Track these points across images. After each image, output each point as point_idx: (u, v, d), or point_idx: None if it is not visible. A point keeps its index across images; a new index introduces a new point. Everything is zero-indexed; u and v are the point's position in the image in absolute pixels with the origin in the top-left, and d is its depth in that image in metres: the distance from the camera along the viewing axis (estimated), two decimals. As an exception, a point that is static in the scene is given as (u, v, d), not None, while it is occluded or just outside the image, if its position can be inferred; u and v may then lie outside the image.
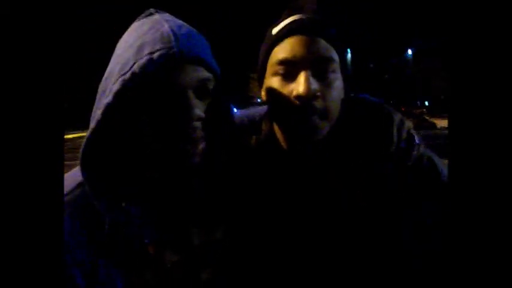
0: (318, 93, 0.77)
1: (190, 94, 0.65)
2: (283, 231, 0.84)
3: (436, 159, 0.87)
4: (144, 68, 0.62)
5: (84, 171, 0.66)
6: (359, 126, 0.85)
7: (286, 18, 0.83)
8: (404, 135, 0.85)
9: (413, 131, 0.87)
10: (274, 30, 0.83)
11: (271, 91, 0.83)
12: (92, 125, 0.65)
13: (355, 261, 0.81)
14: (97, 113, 0.64)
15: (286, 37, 0.80)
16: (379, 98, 0.93)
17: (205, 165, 0.70)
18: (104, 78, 0.69)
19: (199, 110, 0.66)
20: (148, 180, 0.70)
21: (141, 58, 0.63)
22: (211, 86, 0.69)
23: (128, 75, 0.62)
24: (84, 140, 0.65)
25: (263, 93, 0.88)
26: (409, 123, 0.87)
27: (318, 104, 0.77)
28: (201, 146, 0.67)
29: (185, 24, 0.72)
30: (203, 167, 0.69)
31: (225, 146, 0.76)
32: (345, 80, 0.84)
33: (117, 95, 0.63)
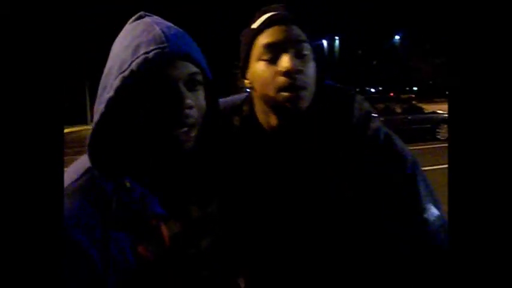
0: (300, 68, 0.89)
1: (181, 86, 0.74)
2: (266, 202, 0.97)
3: (393, 135, 0.98)
4: (141, 65, 0.70)
5: (91, 157, 0.74)
6: (328, 106, 0.99)
7: (261, 16, 0.97)
8: (364, 108, 0.99)
9: (371, 109, 1.01)
10: (255, 25, 0.97)
11: (257, 74, 0.94)
12: (96, 117, 0.73)
13: (334, 235, 0.92)
14: (100, 106, 0.73)
15: (268, 27, 0.93)
16: (366, 86, 1.02)
17: (198, 148, 0.79)
18: (103, 76, 0.77)
19: (190, 99, 0.75)
20: (149, 163, 0.78)
21: (138, 57, 0.71)
22: (199, 78, 0.78)
23: (127, 72, 0.71)
24: (90, 130, 0.74)
25: (248, 80, 1.00)
26: (367, 104, 1.02)
27: (301, 77, 0.89)
28: (194, 131, 0.76)
29: (173, 25, 0.82)
30: (196, 149, 0.79)
31: (213, 129, 0.85)
32: (317, 63, 0.99)
33: (118, 90, 0.71)
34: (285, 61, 0.89)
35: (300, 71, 0.89)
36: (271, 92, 0.91)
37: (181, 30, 0.81)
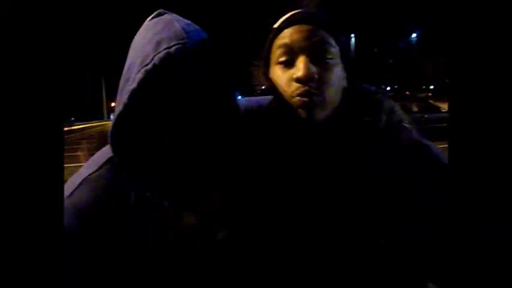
0: (316, 76, 0.82)
1: (199, 82, 0.76)
2: (282, 202, 0.91)
3: (433, 147, 0.90)
4: (163, 60, 0.73)
5: (113, 147, 0.78)
6: (354, 113, 0.90)
7: (287, 13, 0.90)
8: (395, 117, 0.90)
9: (404, 118, 0.92)
10: (276, 25, 0.91)
11: (274, 78, 0.90)
12: (119, 108, 0.76)
13: (343, 242, 0.87)
14: (123, 98, 0.76)
15: (287, 27, 0.87)
16: (382, 85, 0.96)
17: (216, 144, 0.82)
18: (124, 70, 0.80)
19: (206, 95, 0.77)
20: (168, 156, 0.80)
21: (160, 52, 0.73)
22: (215, 75, 0.80)
23: (149, 66, 0.73)
24: (113, 121, 0.77)
25: (269, 83, 0.94)
26: (401, 111, 0.93)
27: (316, 85, 0.83)
28: (210, 126, 0.78)
29: (191, 23, 0.83)
30: (215, 145, 0.81)
31: (231, 126, 0.86)
32: (347, 70, 0.89)
33: (141, 82, 0.73)
34: (299, 67, 0.83)
35: (315, 79, 0.82)
36: (286, 98, 0.87)
37: (198, 27, 0.84)
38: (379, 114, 0.90)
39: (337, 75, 0.86)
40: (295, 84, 0.84)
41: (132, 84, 0.74)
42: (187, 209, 0.82)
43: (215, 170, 0.85)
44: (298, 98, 0.84)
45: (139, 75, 0.73)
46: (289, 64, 0.86)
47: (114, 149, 0.78)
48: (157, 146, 0.80)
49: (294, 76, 0.83)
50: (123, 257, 0.76)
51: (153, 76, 0.73)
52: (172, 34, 0.76)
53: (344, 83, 0.89)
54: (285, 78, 0.86)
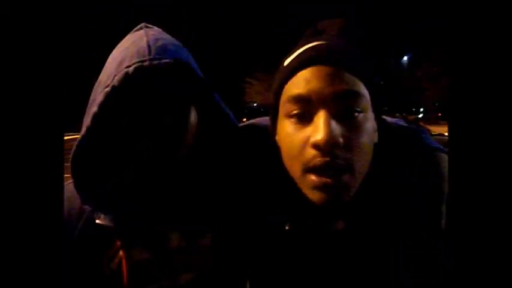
0: (341, 140, 0.61)
1: (159, 103, 0.71)
2: (274, 247, 0.75)
3: None
4: (121, 81, 0.69)
5: (72, 170, 0.73)
6: (396, 173, 0.69)
7: (303, 46, 0.68)
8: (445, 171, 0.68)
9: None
10: (286, 61, 0.69)
11: (283, 138, 0.68)
12: (83, 131, 0.72)
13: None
14: (87, 120, 0.72)
15: (301, 69, 0.65)
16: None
17: (189, 169, 0.76)
18: (94, 87, 0.76)
19: (166, 117, 0.71)
20: (129, 179, 0.76)
21: (120, 72, 0.69)
22: (185, 93, 0.74)
23: (109, 88, 0.70)
24: (75, 143, 0.73)
25: (277, 138, 0.72)
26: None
27: (342, 154, 0.61)
28: (175, 149, 0.73)
29: (166, 37, 0.77)
30: (186, 170, 0.75)
31: (212, 148, 0.80)
32: (378, 119, 0.69)
33: (102, 105, 0.70)
34: (318, 127, 0.60)
35: (341, 144, 0.60)
36: (297, 171, 0.64)
37: (175, 42, 0.78)
38: (429, 169, 0.69)
39: (369, 133, 0.65)
40: (312, 152, 0.62)
41: (94, 108, 0.71)
42: (139, 242, 0.75)
43: (194, 203, 0.79)
44: (315, 176, 0.62)
45: (100, 98, 0.70)
46: (303, 118, 0.64)
47: (73, 172, 0.74)
48: (119, 168, 0.77)
49: (312, 140, 0.61)
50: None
51: (114, 97, 0.70)
52: (136, 51, 0.71)
53: (375, 138, 0.68)
54: (298, 139, 0.64)
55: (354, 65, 0.64)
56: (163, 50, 0.72)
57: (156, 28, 0.81)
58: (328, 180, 0.60)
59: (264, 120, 0.84)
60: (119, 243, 0.73)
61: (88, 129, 0.72)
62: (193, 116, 0.75)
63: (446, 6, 0.53)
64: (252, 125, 0.88)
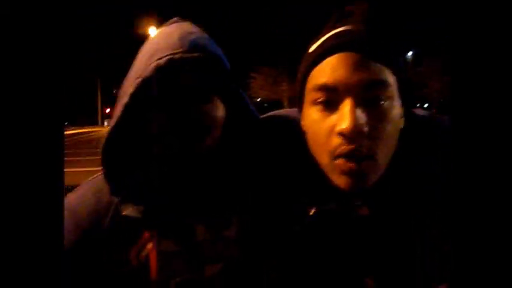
0: (366, 128, 0.61)
1: (188, 94, 0.72)
2: (300, 238, 0.74)
3: None
4: (152, 72, 0.70)
5: (103, 161, 0.76)
6: (421, 162, 0.69)
7: (328, 32, 0.67)
8: None
9: None
10: (312, 48, 0.69)
11: (309, 125, 0.69)
12: (113, 121, 0.75)
13: None
14: (117, 111, 0.74)
15: (326, 56, 0.65)
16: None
17: (216, 162, 0.78)
18: (124, 80, 0.78)
19: (194, 109, 0.73)
20: (157, 172, 0.78)
21: (151, 64, 0.71)
22: (211, 86, 0.75)
23: (140, 79, 0.72)
24: (106, 134, 0.75)
25: (302, 123, 0.73)
26: None
27: (367, 142, 0.62)
28: (198, 141, 0.74)
29: (197, 31, 0.79)
30: (213, 163, 0.77)
31: (236, 141, 0.81)
32: (405, 106, 0.69)
33: (133, 96, 0.72)
34: (344, 116, 0.61)
35: (364, 133, 0.61)
36: (323, 158, 0.66)
37: (205, 35, 0.80)
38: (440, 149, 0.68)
39: (395, 121, 0.65)
40: (338, 139, 0.63)
41: (124, 98, 0.73)
42: (169, 234, 0.76)
43: (219, 195, 0.80)
44: (341, 161, 0.63)
45: (131, 89, 0.72)
46: (330, 106, 0.64)
47: (103, 163, 0.76)
48: (148, 161, 0.78)
49: (338, 128, 0.62)
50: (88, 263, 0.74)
51: (145, 89, 0.72)
52: (167, 44, 0.73)
53: (401, 124, 0.68)
54: (324, 127, 0.64)
55: (380, 52, 0.63)
56: (194, 44, 0.74)
57: (187, 22, 0.83)
58: (353, 165, 0.62)
59: (285, 111, 0.88)
60: (147, 235, 0.74)
61: (118, 119, 0.74)
62: (220, 109, 0.77)
63: (447, 5, 0.53)
64: (274, 116, 0.90)
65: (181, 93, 0.72)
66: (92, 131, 27.73)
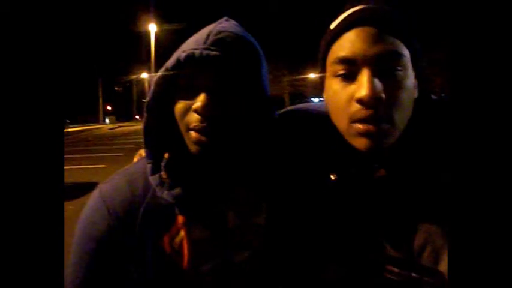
0: (383, 95, 0.67)
1: (203, 91, 0.73)
2: (325, 226, 0.78)
3: None
4: (173, 66, 0.74)
5: (145, 142, 0.80)
6: (428, 132, 0.75)
7: (347, 10, 0.74)
8: None
9: None
10: (333, 25, 0.75)
11: (330, 94, 0.75)
12: (145, 107, 0.79)
13: None
14: (148, 97, 0.79)
15: (345, 31, 0.71)
16: None
17: (243, 153, 0.80)
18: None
19: (208, 106, 0.72)
20: (188, 160, 0.79)
21: (176, 56, 0.74)
22: (228, 86, 0.74)
23: (163, 68, 0.76)
24: (144, 119, 0.79)
25: (324, 96, 0.79)
26: None
27: (384, 108, 0.67)
28: (211, 135, 0.73)
29: (233, 30, 0.78)
30: (240, 154, 0.79)
31: (259, 134, 0.82)
32: (419, 77, 0.75)
33: (157, 83, 0.77)
34: (362, 84, 0.67)
35: (383, 99, 0.67)
36: (343, 122, 0.72)
37: (242, 35, 0.78)
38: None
39: (409, 90, 0.71)
40: (357, 106, 0.68)
41: (152, 86, 0.78)
42: (200, 220, 0.78)
43: (248, 183, 0.82)
44: (360, 124, 0.69)
45: (157, 78, 0.76)
46: (349, 78, 0.71)
47: (145, 143, 0.80)
48: (179, 149, 0.79)
49: (357, 95, 0.68)
50: (128, 247, 0.75)
51: (169, 78, 0.75)
52: (195, 40, 0.75)
53: (415, 94, 0.74)
54: (344, 95, 0.71)
55: (395, 27, 0.70)
56: (219, 42, 0.73)
57: (234, 22, 0.83)
58: (371, 127, 0.68)
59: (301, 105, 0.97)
60: (180, 222, 0.76)
61: (148, 104, 0.78)
62: (238, 102, 0.76)
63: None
64: (290, 108, 0.99)
65: (189, 90, 0.74)
66: (93, 128, 27.76)
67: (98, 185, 0.82)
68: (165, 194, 0.76)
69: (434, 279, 0.69)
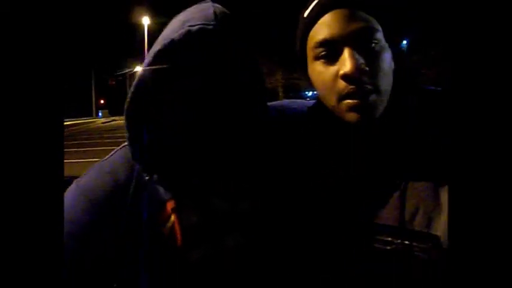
0: (366, 68, 0.72)
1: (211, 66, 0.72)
2: (312, 213, 0.80)
3: None
4: (182, 36, 0.71)
5: (127, 127, 0.77)
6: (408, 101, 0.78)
7: None
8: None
9: None
10: (306, 12, 0.79)
11: (315, 77, 0.79)
12: (134, 83, 0.75)
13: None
14: (141, 73, 0.74)
15: (320, 16, 0.75)
16: None
17: (230, 135, 0.78)
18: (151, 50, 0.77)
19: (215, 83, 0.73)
20: (175, 144, 0.79)
21: (182, 28, 0.72)
22: (235, 65, 0.75)
23: (167, 40, 0.72)
24: (129, 94, 0.75)
25: (312, 80, 0.82)
26: None
27: (368, 79, 0.72)
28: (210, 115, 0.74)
29: (230, 13, 0.80)
30: (227, 136, 0.78)
31: (252, 119, 0.81)
32: (392, 49, 0.79)
33: (156, 54, 0.72)
34: (345, 61, 0.71)
35: (366, 72, 0.71)
36: (332, 100, 0.76)
37: (239, 19, 0.80)
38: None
39: (387, 60, 0.75)
40: (343, 83, 0.72)
41: (148, 58, 0.74)
42: (188, 206, 0.77)
43: (234, 168, 0.81)
44: (348, 100, 0.72)
45: (157, 47, 0.73)
46: (330, 58, 0.75)
47: (126, 125, 0.77)
48: (166, 131, 0.79)
49: (341, 72, 0.72)
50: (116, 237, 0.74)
51: (169, 51, 0.72)
52: (202, 16, 0.74)
53: (393, 65, 0.78)
54: (329, 75, 0.75)
55: (366, 4, 0.74)
56: (227, 20, 0.75)
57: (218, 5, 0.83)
58: (360, 101, 0.72)
59: (301, 103, 1.00)
60: (169, 207, 0.77)
61: (139, 80, 0.74)
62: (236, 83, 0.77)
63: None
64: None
65: (204, 63, 0.73)
66: (87, 122, 27.53)
67: (75, 181, 0.81)
68: (154, 178, 0.76)
69: (426, 243, 0.70)
